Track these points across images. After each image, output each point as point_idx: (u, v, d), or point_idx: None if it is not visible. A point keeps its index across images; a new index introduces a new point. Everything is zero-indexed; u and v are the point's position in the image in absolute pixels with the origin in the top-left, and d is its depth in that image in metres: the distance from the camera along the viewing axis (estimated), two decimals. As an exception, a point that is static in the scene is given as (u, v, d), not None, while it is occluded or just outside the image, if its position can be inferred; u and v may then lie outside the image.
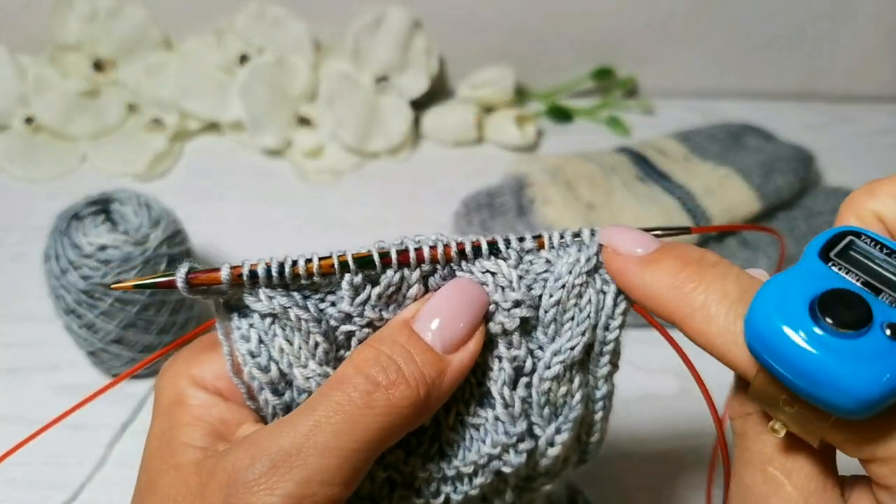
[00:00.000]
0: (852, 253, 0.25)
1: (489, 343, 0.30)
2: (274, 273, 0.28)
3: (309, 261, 0.29)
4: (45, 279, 0.51)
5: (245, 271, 0.28)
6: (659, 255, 0.28)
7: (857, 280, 0.24)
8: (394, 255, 0.29)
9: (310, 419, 0.26)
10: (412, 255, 0.29)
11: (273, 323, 0.29)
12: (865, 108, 0.83)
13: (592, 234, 0.30)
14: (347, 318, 0.29)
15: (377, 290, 0.29)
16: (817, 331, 0.22)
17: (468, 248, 0.30)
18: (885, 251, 0.24)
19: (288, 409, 0.30)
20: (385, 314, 0.30)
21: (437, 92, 0.80)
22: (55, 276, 0.50)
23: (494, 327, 0.30)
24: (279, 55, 0.75)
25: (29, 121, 0.73)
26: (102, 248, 0.49)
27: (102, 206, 0.52)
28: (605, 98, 0.82)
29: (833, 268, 0.24)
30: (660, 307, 0.27)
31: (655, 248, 0.28)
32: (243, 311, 0.30)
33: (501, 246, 0.30)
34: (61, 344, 0.55)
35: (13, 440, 0.52)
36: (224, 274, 0.28)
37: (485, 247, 0.30)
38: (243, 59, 0.74)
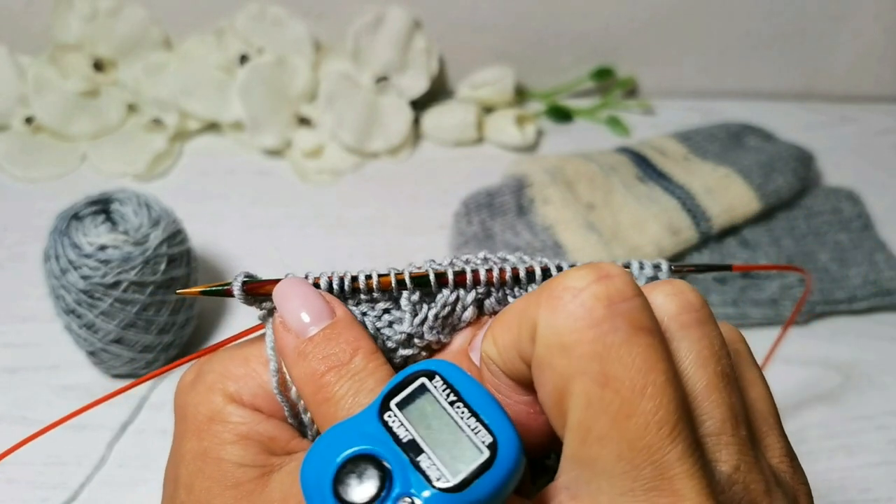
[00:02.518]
0: (418, 400, 0.22)
1: None
2: (335, 287, 0.28)
3: (369, 277, 0.28)
4: (45, 279, 0.51)
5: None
6: (309, 346, 0.27)
7: (405, 437, 0.21)
8: (451, 276, 0.29)
9: None
10: (469, 276, 0.29)
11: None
12: (865, 108, 0.83)
13: (641, 266, 0.29)
14: (408, 339, 0.29)
15: (434, 310, 0.29)
16: None
17: (522, 274, 0.29)
18: (451, 398, 0.22)
19: None
20: (442, 337, 0.29)
21: (437, 92, 0.80)
22: (55, 276, 0.50)
23: None
24: (279, 55, 0.75)
25: (29, 121, 0.73)
26: (102, 248, 0.49)
27: (102, 206, 0.52)
28: (605, 98, 0.82)
29: (388, 419, 0.22)
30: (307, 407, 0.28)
31: (317, 332, 0.27)
32: None
33: (553, 272, 0.30)
34: (61, 344, 0.55)
35: (13, 440, 0.52)
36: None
37: (538, 272, 0.29)
38: (243, 59, 0.74)
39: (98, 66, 0.75)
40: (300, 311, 0.27)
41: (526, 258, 0.30)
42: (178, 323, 0.53)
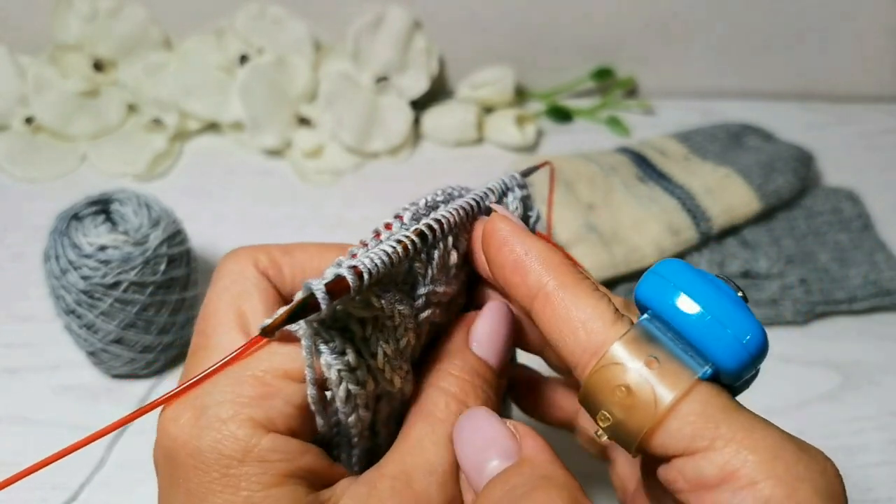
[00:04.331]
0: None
1: None
2: (380, 267, 0.26)
3: (394, 249, 0.26)
4: (45, 279, 0.51)
5: (367, 269, 0.25)
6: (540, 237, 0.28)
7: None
8: (437, 228, 0.28)
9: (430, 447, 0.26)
10: (446, 224, 0.29)
11: (372, 328, 0.26)
12: (865, 108, 0.83)
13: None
14: (427, 301, 0.28)
15: (434, 263, 0.28)
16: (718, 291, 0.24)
17: (473, 208, 0.30)
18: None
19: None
20: (447, 287, 0.29)
21: (437, 92, 0.80)
22: (55, 277, 0.50)
23: None
24: (279, 55, 0.75)
25: (29, 121, 0.73)
26: (102, 248, 0.49)
27: (102, 206, 0.52)
28: (605, 98, 0.82)
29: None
30: (530, 275, 0.26)
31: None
32: (325, 325, 0.26)
33: (491, 197, 0.31)
34: (61, 344, 0.55)
35: (13, 440, 0.52)
36: (352, 278, 0.24)
37: (481, 203, 0.30)
38: (243, 59, 0.74)
39: (98, 66, 0.75)
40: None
41: (463, 191, 0.31)
42: (179, 323, 0.53)
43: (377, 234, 0.28)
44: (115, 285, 0.49)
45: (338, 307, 0.25)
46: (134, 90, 0.74)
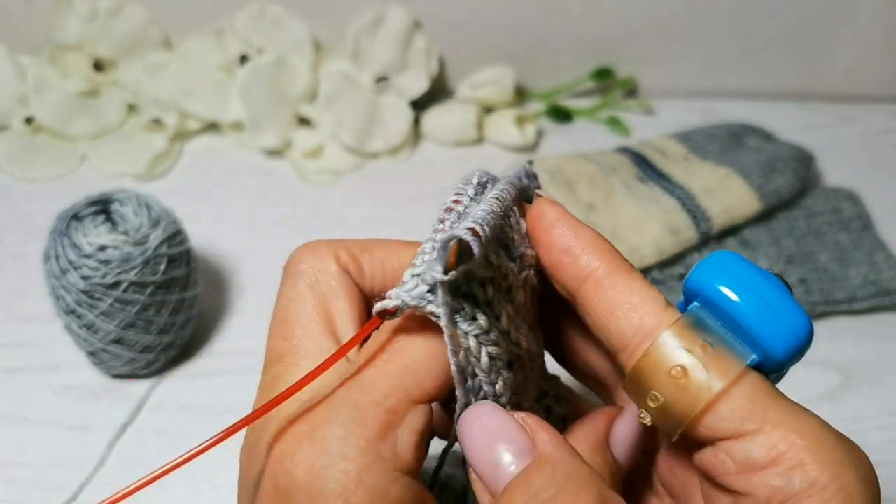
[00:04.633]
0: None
1: None
2: (493, 223, 0.25)
3: (497, 204, 0.26)
4: (45, 279, 0.51)
5: (481, 226, 0.24)
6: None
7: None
8: (511, 192, 0.28)
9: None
10: (510, 194, 0.28)
11: (493, 290, 0.26)
12: (865, 108, 0.83)
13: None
14: (522, 263, 0.28)
15: (514, 228, 0.28)
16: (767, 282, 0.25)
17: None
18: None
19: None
20: (533, 252, 0.29)
21: (437, 92, 0.80)
22: (55, 277, 0.50)
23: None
24: (279, 55, 0.75)
25: (29, 121, 0.73)
26: (102, 248, 0.49)
27: (102, 206, 0.52)
28: (605, 98, 0.82)
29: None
30: (580, 257, 0.26)
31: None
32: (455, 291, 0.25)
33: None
34: (61, 344, 0.55)
35: (13, 440, 0.52)
36: (481, 231, 0.24)
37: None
38: (243, 59, 0.74)
39: (98, 66, 0.75)
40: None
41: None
42: (179, 323, 0.53)
43: (449, 209, 0.27)
44: (115, 285, 0.49)
45: (464, 268, 0.24)
46: (134, 90, 0.74)
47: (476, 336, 0.25)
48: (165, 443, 0.52)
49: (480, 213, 0.25)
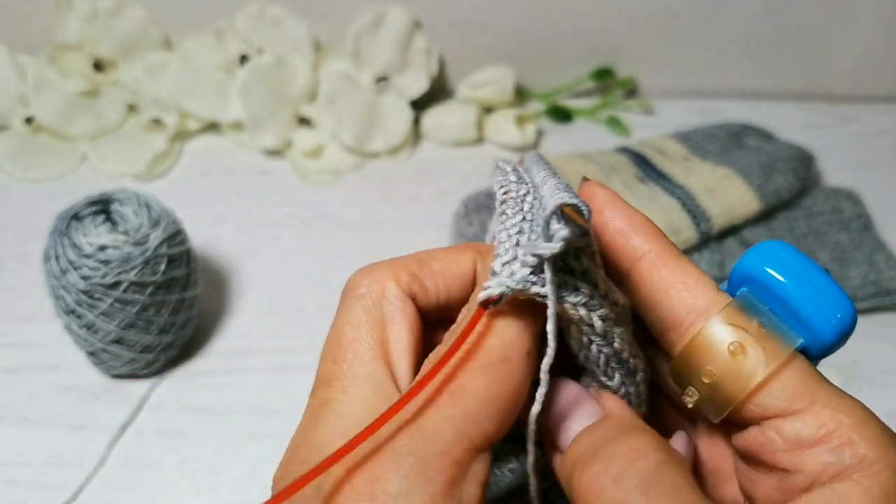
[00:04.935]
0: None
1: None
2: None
3: (565, 182, 0.26)
4: (45, 279, 0.51)
5: (584, 208, 0.24)
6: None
7: None
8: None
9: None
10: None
11: (586, 259, 0.25)
12: (865, 108, 0.83)
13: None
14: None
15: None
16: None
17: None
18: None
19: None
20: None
21: (437, 92, 0.80)
22: (55, 277, 0.50)
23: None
24: (279, 55, 0.75)
25: (29, 121, 0.73)
26: (102, 248, 0.49)
27: (102, 206, 0.52)
28: (605, 98, 0.82)
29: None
30: (634, 238, 0.26)
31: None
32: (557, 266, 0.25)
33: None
34: (61, 344, 0.55)
35: (13, 440, 0.52)
36: (583, 205, 0.24)
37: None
38: (243, 59, 0.74)
39: (98, 66, 0.75)
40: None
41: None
42: (179, 323, 0.53)
43: (503, 201, 0.27)
44: (115, 285, 0.49)
45: (580, 231, 0.24)
46: (134, 90, 0.74)
47: (584, 305, 0.25)
48: (165, 443, 0.52)
49: (554, 183, 0.25)
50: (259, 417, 0.53)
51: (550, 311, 0.24)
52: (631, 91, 0.84)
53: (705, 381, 0.25)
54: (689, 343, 0.25)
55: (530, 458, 0.26)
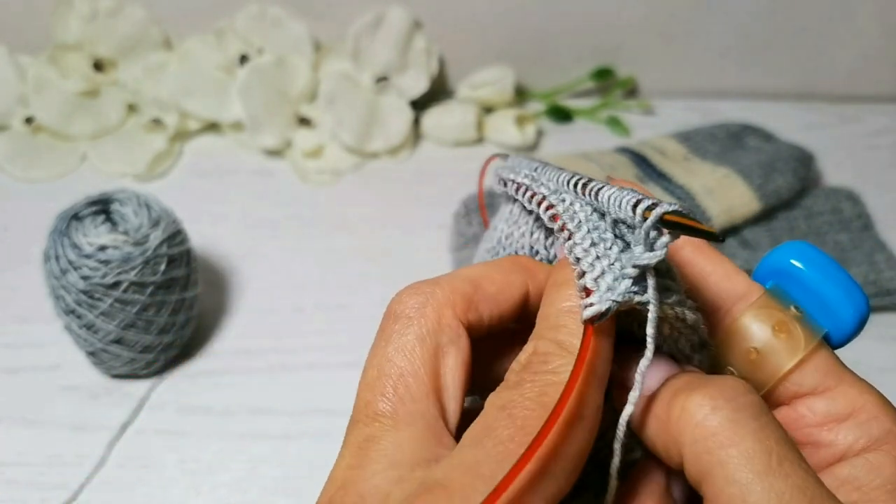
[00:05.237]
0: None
1: None
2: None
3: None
4: (45, 279, 0.51)
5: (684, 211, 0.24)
6: None
7: None
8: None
9: None
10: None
11: (665, 262, 0.26)
12: (865, 108, 0.83)
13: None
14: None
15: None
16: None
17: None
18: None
19: None
20: None
21: (437, 92, 0.80)
22: (55, 277, 0.50)
23: None
24: (279, 55, 0.75)
25: (29, 121, 0.73)
26: (102, 248, 0.49)
27: (102, 206, 0.52)
28: (605, 98, 0.82)
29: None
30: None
31: None
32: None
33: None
34: (61, 344, 0.55)
35: (13, 440, 0.52)
36: (681, 207, 0.24)
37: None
38: (243, 59, 0.74)
39: (98, 66, 0.75)
40: None
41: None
42: (179, 323, 0.53)
43: (554, 215, 0.27)
44: (115, 285, 0.49)
45: (680, 232, 0.24)
46: (134, 90, 0.74)
47: (679, 303, 0.26)
48: (165, 443, 0.52)
49: (616, 189, 0.25)
50: (259, 417, 0.53)
51: (652, 316, 0.24)
52: (631, 91, 0.84)
53: (751, 357, 0.26)
54: (733, 322, 0.27)
55: (616, 460, 0.25)
